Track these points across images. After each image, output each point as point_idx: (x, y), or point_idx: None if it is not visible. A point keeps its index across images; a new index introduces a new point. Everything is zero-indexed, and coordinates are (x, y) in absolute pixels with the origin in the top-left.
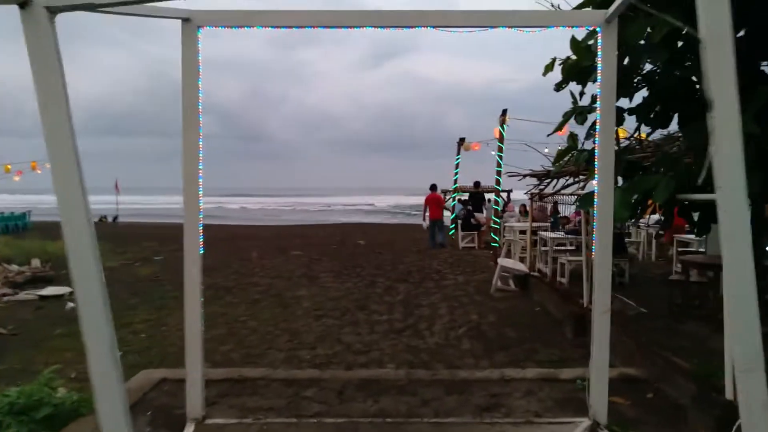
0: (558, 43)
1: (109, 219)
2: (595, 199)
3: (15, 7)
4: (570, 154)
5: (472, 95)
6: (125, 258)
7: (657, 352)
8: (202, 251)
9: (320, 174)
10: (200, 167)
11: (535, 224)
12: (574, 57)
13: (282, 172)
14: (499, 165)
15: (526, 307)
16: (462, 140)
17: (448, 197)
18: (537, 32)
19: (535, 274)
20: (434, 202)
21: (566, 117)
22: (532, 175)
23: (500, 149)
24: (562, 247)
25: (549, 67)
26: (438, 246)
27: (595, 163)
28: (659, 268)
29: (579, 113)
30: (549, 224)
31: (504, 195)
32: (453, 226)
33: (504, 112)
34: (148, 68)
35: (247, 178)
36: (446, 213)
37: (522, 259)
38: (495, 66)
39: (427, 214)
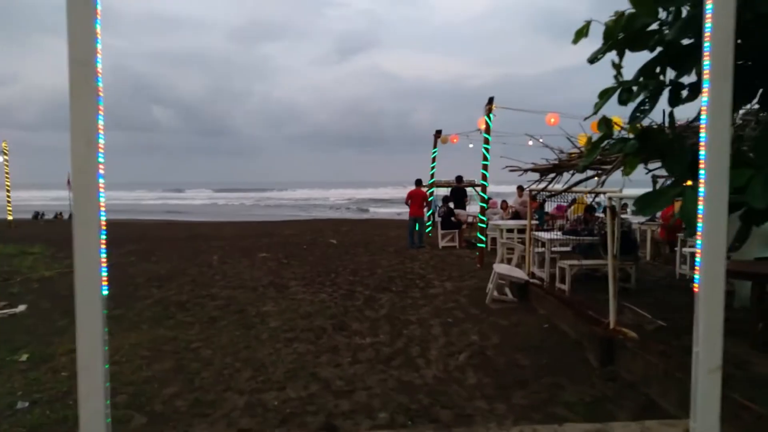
0: (510, 39)
1: (65, 216)
2: (671, 204)
3: None
4: (604, 143)
5: (437, 90)
6: (61, 266)
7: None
8: (104, 272)
9: (287, 169)
10: (99, 145)
11: (517, 222)
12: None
13: (247, 167)
14: (485, 158)
15: (533, 324)
16: (438, 132)
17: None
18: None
19: (535, 281)
20: (416, 198)
21: (605, 97)
22: (534, 170)
23: (486, 141)
24: (559, 249)
25: (582, 32)
26: (417, 246)
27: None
28: (660, 270)
29: (626, 89)
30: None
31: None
32: (429, 223)
33: (490, 100)
34: (108, 61)
35: (212, 173)
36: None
37: (516, 264)
38: (459, 61)
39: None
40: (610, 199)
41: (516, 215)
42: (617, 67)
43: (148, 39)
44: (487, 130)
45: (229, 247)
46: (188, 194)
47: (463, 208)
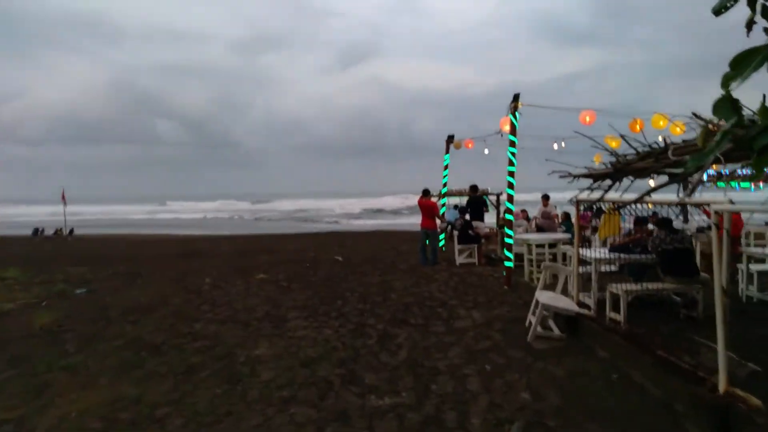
0: (513, 46)
1: (65, 232)
2: None
3: None
4: (723, 135)
5: (440, 99)
6: (29, 296)
7: None
8: None
9: (290, 179)
10: None
11: (550, 235)
12: None
13: (250, 178)
14: (511, 163)
15: (596, 373)
16: (451, 138)
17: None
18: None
19: (585, 312)
20: (425, 209)
21: (751, 62)
22: (588, 176)
23: (512, 144)
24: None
25: None
26: (431, 263)
27: None
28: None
29: None
30: (562, 234)
31: (493, 198)
32: (443, 236)
33: (515, 98)
34: (112, 75)
35: (215, 184)
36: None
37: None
38: (461, 69)
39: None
40: (717, 213)
41: (540, 229)
42: None
43: (150, 53)
44: (513, 131)
45: (225, 267)
46: (188, 206)
47: (482, 219)
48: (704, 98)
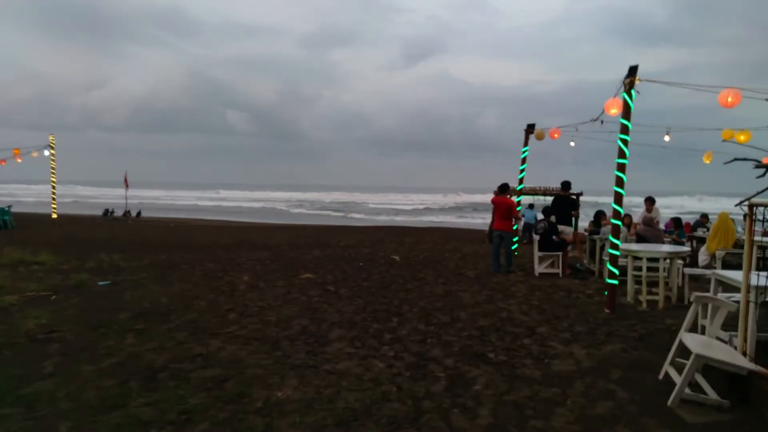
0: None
1: (133, 214)
2: None
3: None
4: None
5: (504, 96)
6: (42, 286)
7: None
8: None
9: (352, 172)
10: None
11: (674, 248)
12: None
13: (314, 169)
14: (623, 154)
15: None
16: (531, 127)
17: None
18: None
19: (760, 369)
20: (502, 208)
21: None
22: None
23: (625, 130)
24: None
25: None
26: (505, 270)
27: None
28: None
29: None
30: (671, 243)
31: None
32: (516, 239)
33: (632, 71)
34: (188, 67)
35: (281, 174)
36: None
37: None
38: (527, 67)
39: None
40: None
41: (641, 238)
42: None
43: (225, 46)
44: (627, 114)
45: (271, 261)
46: (251, 195)
47: (569, 223)
48: None
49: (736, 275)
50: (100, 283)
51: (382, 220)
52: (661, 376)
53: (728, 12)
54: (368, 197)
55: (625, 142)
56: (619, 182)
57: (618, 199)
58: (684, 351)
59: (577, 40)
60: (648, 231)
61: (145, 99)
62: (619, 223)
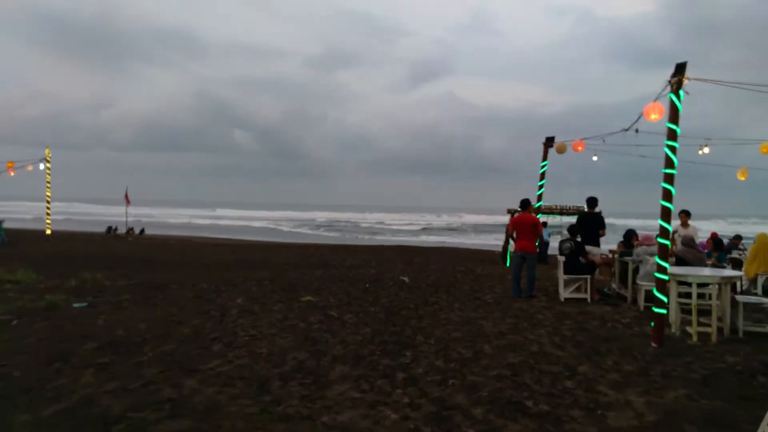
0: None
1: (137, 231)
2: None
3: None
4: None
5: (508, 118)
6: (9, 308)
7: None
8: None
9: (357, 192)
10: None
11: (711, 272)
12: None
13: (318, 189)
14: (670, 163)
15: None
16: (550, 140)
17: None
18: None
19: None
20: (526, 226)
21: None
22: None
23: (673, 135)
24: None
25: None
26: (526, 295)
27: None
28: None
29: None
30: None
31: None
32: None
33: (679, 69)
34: (194, 87)
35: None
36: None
37: None
38: (531, 89)
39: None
40: None
41: (681, 260)
42: None
43: (232, 67)
44: (674, 118)
45: (270, 282)
46: (255, 214)
47: (596, 243)
48: None
49: None
50: (76, 305)
51: (387, 239)
52: None
53: (730, 36)
54: (372, 216)
55: (672, 149)
56: (667, 195)
57: (665, 214)
58: None
59: (581, 62)
60: (689, 252)
61: (152, 118)
62: (667, 243)
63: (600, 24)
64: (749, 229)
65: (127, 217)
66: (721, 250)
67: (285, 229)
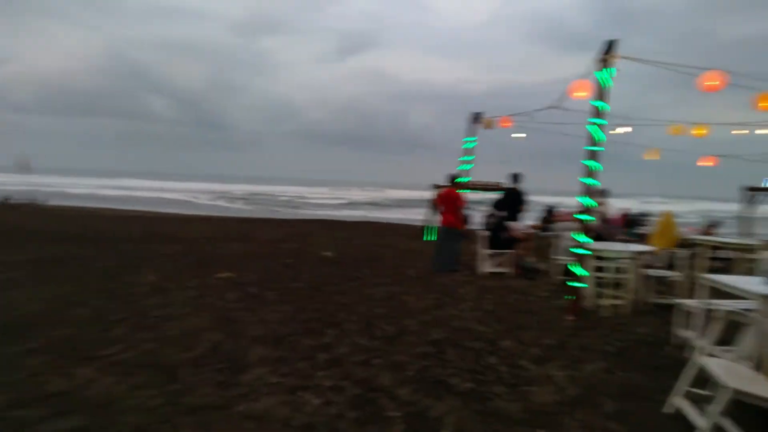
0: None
1: (35, 201)
2: None
3: None
4: None
5: (437, 94)
6: None
7: None
8: None
9: (282, 164)
10: None
11: (627, 246)
12: None
13: (242, 160)
14: (595, 140)
15: None
16: (477, 116)
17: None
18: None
19: None
20: (451, 201)
21: None
22: None
23: (598, 112)
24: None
25: None
26: (448, 268)
27: None
28: None
29: None
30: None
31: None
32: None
33: (609, 45)
34: (107, 47)
35: (203, 164)
36: None
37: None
38: (460, 66)
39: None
40: None
41: (598, 236)
42: None
43: (149, 27)
44: (601, 95)
45: (183, 256)
46: (170, 185)
47: (518, 219)
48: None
49: (738, 281)
50: None
51: (309, 213)
52: (666, 408)
53: (642, 24)
54: (295, 190)
55: (597, 126)
56: (589, 172)
57: (587, 191)
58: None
59: (507, 43)
60: (604, 228)
61: (60, 79)
62: (587, 218)
63: (525, 5)
64: (655, 208)
65: (22, 187)
66: (630, 226)
67: (202, 201)
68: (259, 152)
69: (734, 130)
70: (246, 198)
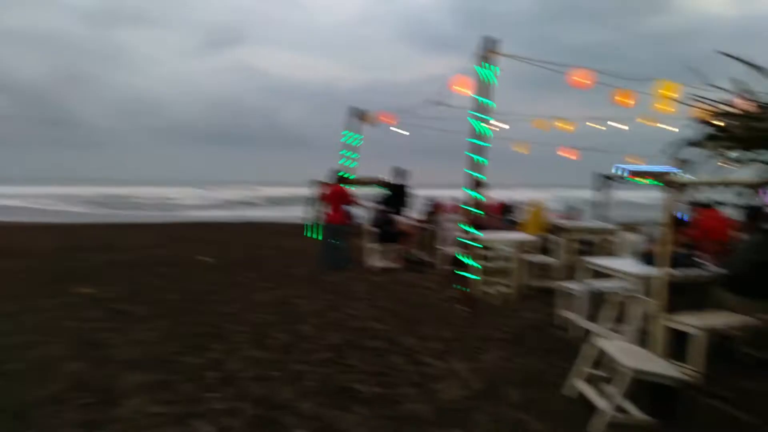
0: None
1: None
2: None
3: None
4: None
5: (308, 91)
6: None
7: None
8: None
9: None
10: None
11: (512, 236)
12: None
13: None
14: (476, 134)
15: None
16: (360, 112)
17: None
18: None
19: (686, 378)
20: (336, 198)
21: None
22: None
23: (480, 107)
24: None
25: None
26: (337, 266)
27: None
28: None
29: None
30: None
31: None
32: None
33: (489, 43)
34: None
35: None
36: None
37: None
38: (329, 63)
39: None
40: None
41: (478, 226)
42: None
43: None
44: (480, 91)
45: (32, 273)
46: (10, 190)
47: (404, 213)
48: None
49: (616, 264)
50: None
51: (180, 215)
52: (565, 390)
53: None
54: (161, 191)
55: (479, 120)
56: (474, 165)
57: (473, 184)
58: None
59: (375, 41)
60: (485, 218)
61: None
62: (474, 210)
63: (392, 5)
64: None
65: None
66: (504, 214)
67: (52, 207)
68: (120, 151)
69: (589, 122)
70: (106, 202)
